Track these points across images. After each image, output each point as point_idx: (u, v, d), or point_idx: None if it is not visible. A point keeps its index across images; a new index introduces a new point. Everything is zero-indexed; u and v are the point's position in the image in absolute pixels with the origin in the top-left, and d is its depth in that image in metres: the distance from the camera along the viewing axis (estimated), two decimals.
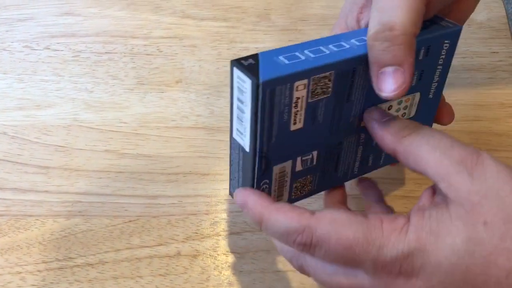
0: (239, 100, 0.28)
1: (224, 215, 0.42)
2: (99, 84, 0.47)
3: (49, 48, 0.48)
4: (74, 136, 0.44)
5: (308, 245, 0.27)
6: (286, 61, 0.27)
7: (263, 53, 0.28)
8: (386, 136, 0.28)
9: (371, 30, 0.27)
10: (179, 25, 0.50)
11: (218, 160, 0.44)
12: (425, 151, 0.26)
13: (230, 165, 0.32)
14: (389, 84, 0.28)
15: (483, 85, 0.48)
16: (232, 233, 0.41)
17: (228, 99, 0.46)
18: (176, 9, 0.51)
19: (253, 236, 0.41)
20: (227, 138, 0.44)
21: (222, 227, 0.41)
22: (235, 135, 0.30)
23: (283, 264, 0.40)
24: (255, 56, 0.27)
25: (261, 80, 0.26)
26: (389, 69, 0.27)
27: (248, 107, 0.27)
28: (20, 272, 0.39)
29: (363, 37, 0.30)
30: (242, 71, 0.27)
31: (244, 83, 0.27)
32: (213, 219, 0.41)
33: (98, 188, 0.42)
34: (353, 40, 0.30)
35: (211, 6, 0.51)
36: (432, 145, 0.26)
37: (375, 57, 0.28)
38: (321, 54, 0.28)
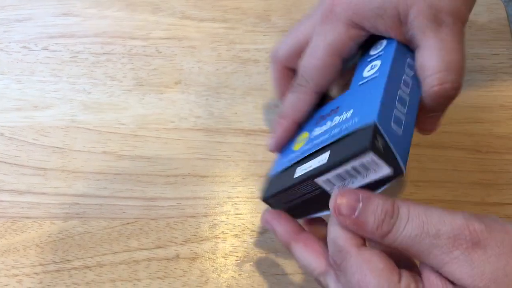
0: (356, 170, 0.26)
1: (223, 218, 0.41)
2: (97, 85, 0.46)
3: (47, 49, 0.48)
4: (72, 138, 0.44)
5: (337, 265, 0.26)
6: (400, 130, 0.27)
7: (381, 123, 0.26)
8: (366, 235, 0.26)
9: (437, 84, 0.28)
10: (178, 26, 0.49)
11: (217, 162, 0.43)
12: (413, 247, 0.24)
13: (285, 190, 0.31)
14: (432, 125, 0.33)
15: (484, 87, 0.47)
16: (231, 235, 0.41)
17: (228, 101, 0.45)
18: (176, 10, 0.51)
19: (252, 239, 0.40)
20: (226, 140, 0.44)
21: (221, 229, 0.41)
22: (322, 183, 0.28)
23: (282, 267, 0.39)
24: (379, 131, 0.26)
25: (403, 169, 0.26)
26: (435, 114, 0.31)
27: (366, 180, 0.26)
28: (17, 275, 0.39)
29: (408, 69, 0.30)
30: (381, 157, 0.25)
31: (378, 166, 0.26)
32: (212, 221, 0.41)
33: (96, 190, 0.42)
34: (406, 77, 0.30)
35: (211, 7, 0.51)
36: (417, 237, 0.24)
37: (430, 106, 0.30)
38: (409, 106, 0.29)
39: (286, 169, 0.32)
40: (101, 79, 0.47)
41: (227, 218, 0.41)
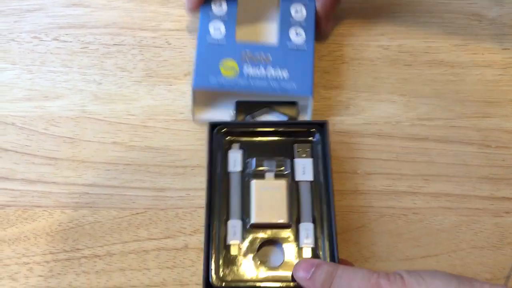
0: None
1: None
2: (107, 76, 0.47)
3: (57, 39, 0.48)
4: (82, 128, 0.44)
5: None
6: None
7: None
8: None
9: None
10: (188, 18, 0.49)
11: None
12: None
13: None
14: (329, 28, 0.49)
15: (494, 81, 0.47)
16: None
17: None
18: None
19: None
20: None
21: None
22: None
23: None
24: None
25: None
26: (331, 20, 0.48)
27: None
28: (28, 263, 0.39)
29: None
30: None
31: None
32: None
33: (105, 180, 0.42)
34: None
35: None
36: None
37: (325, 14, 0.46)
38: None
39: None
40: (112, 70, 0.47)
41: None
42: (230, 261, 0.37)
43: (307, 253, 0.37)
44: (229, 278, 0.36)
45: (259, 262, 0.37)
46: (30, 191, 0.42)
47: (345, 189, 0.42)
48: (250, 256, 0.37)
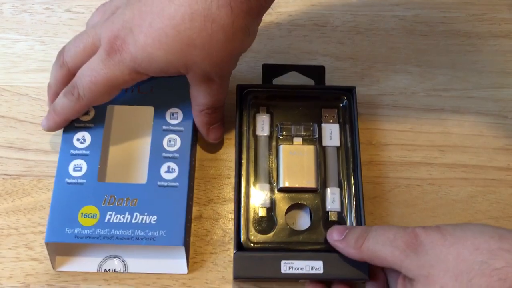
0: None
1: None
2: None
3: (70, 11, 0.48)
4: None
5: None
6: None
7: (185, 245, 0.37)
8: (350, 251, 0.34)
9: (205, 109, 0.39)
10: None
11: None
12: (380, 251, 0.32)
13: (266, 277, 0.37)
14: (216, 134, 0.41)
15: (511, 52, 0.46)
16: None
17: (251, 64, 0.45)
18: None
19: None
20: None
21: None
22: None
23: None
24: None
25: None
26: (214, 126, 0.40)
27: None
28: (43, 232, 0.39)
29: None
30: None
31: None
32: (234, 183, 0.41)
33: None
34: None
35: None
36: (382, 243, 0.32)
37: (205, 122, 0.40)
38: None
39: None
40: None
41: None
42: (259, 223, 0.38)
43: (333, 217, 0.38)
44: (258, 240, 0.37)
45: (286, 225, 0.38)
46: (44, 161, 0.42)
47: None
48: (278, 219, 0.38)
